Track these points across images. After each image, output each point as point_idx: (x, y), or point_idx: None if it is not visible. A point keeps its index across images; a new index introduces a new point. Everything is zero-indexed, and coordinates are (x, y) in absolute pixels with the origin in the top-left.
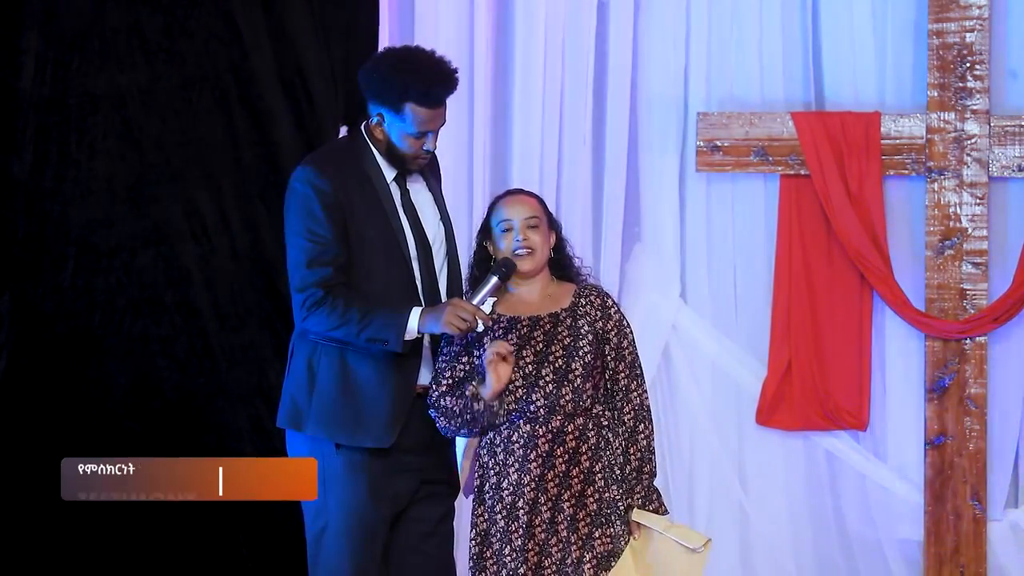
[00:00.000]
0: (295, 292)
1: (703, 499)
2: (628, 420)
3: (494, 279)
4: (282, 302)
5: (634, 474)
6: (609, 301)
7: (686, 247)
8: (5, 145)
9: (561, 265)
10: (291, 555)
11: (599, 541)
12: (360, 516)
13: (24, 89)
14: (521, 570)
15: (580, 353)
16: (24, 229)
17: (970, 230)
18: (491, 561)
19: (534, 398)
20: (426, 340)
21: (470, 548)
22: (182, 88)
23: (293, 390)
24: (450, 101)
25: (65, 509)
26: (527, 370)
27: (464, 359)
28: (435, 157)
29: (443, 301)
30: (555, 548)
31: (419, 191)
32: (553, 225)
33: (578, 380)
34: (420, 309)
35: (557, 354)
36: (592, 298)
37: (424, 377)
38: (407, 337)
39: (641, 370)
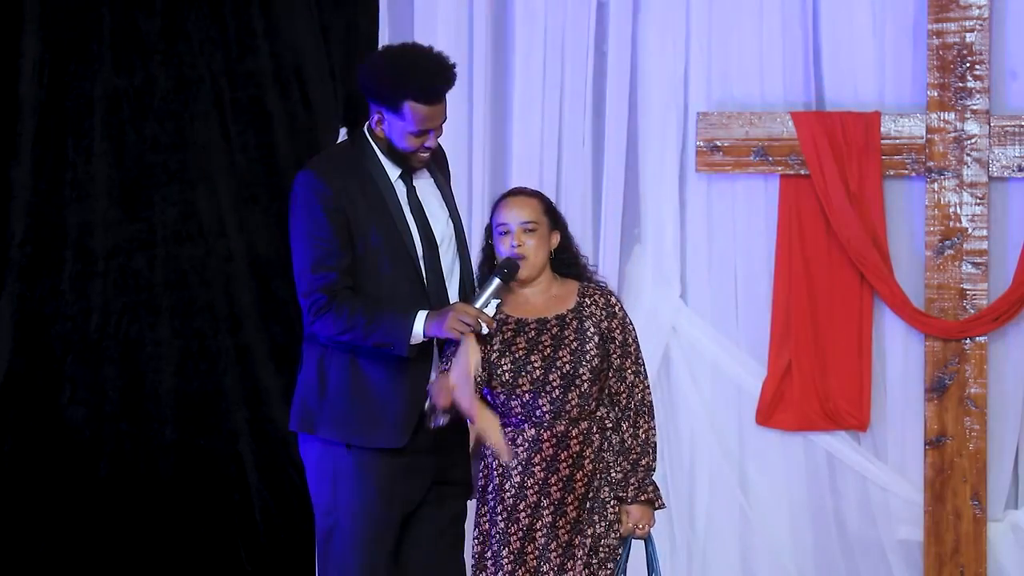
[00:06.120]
0: (301, 297)
1: (703, 499)
2: (631, 415)
3: (496, 281)
4: (278, 304)
5: (630, 466)
6: (613, 299)
7: (686, 247)
8: (3, 148)
9: (565, 264)
10: (291, 555)
11: (589, 539)
12: (370, 515)
13: (22, 92)
14: (519, 573)
15: (587, 357)
16: (22, 232)
17: (970, 230)
18: (490, 562)
19: (540, 403)
20: (435, 342)
21: (472, 547)
22: (178, 91)
23: (304, 393)
24: (450, 101)
25: (64, 511)
26: (535, 375)
27: None
28: (444, 154)
29: (452, 301)
30: (554, 553)
31: (427, 189)
32: (557, 224)
33: (585, 385)
34: (425, 313)
35: (564, 359)
36: (596, 297)
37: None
38: (413, 341)
39: (645, 367)
